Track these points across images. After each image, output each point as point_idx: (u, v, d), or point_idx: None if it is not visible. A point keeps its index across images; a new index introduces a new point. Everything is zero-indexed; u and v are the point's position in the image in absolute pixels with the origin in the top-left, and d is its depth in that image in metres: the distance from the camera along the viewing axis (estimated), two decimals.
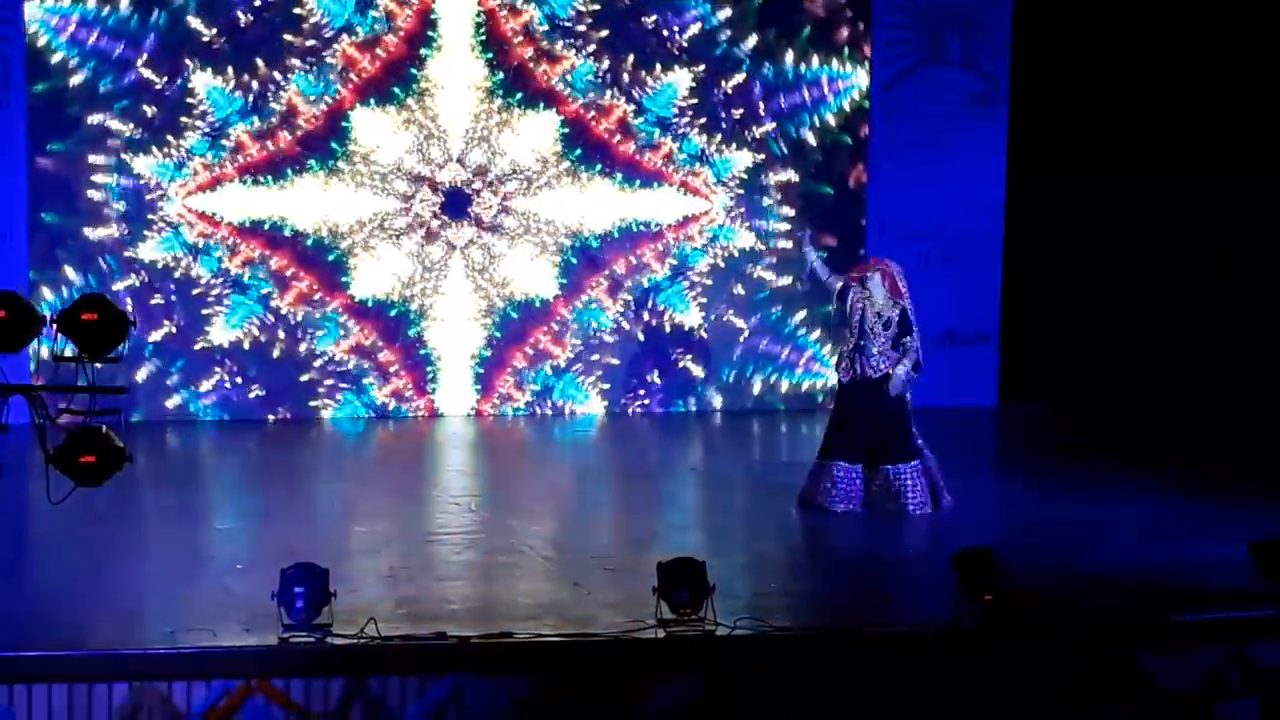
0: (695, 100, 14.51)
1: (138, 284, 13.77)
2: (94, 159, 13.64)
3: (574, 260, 14.49)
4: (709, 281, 14.72)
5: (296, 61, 13.84)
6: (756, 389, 14.90)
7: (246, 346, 14.01)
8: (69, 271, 13.67)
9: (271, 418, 14.07)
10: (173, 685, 7.18)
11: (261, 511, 10.72)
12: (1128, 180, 14.54)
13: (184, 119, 13.72)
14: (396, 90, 14.07)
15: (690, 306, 14.68)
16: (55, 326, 7.07)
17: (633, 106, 14.40)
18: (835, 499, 10.20)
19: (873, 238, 14.74)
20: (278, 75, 13.81)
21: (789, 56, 14.64)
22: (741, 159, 14.68)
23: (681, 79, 14.48)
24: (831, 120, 14.79)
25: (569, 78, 14.26)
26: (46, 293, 13.49)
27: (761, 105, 14.65)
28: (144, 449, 10.57)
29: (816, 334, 14.81)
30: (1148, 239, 14.60)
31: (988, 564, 8.04)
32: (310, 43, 13.87)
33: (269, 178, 13.90)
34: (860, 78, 14.76)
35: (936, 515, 10.26)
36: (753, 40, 14.57)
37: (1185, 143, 14.32)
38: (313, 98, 13.88)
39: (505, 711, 7.34)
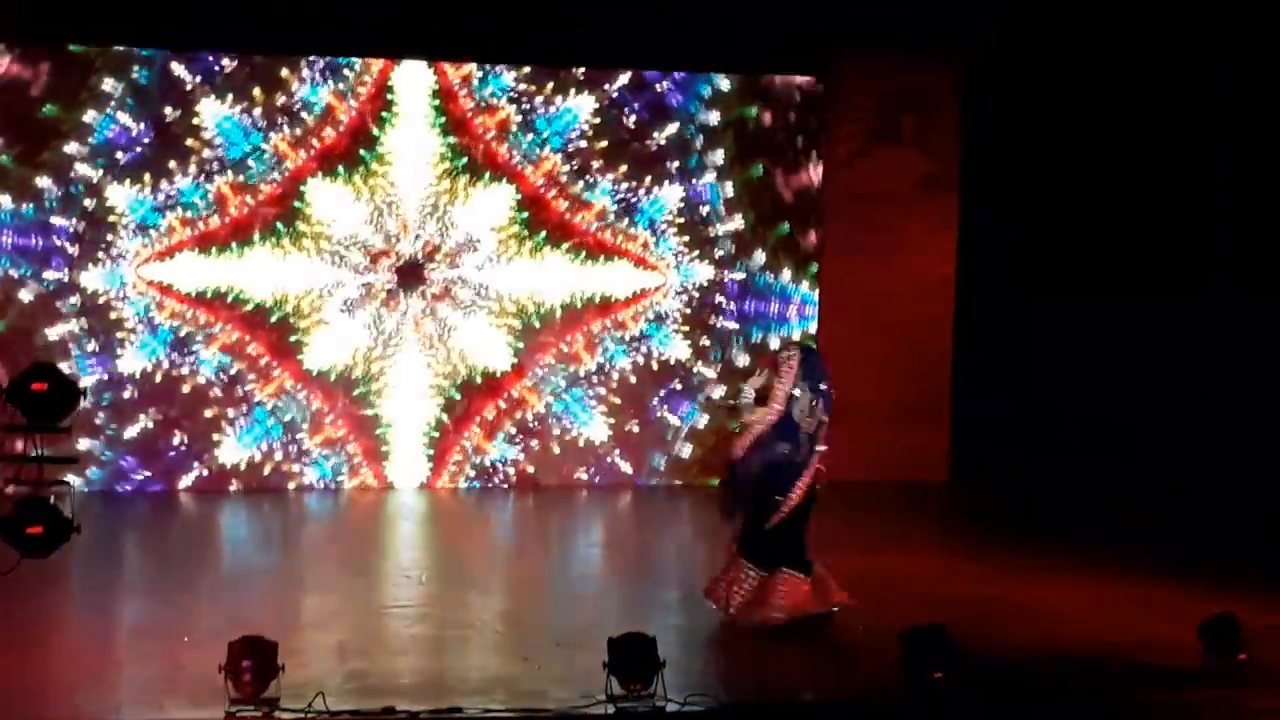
0: (638, 165, 14.65)
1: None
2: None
3: (536, 325, 14.52)
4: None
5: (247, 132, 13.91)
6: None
7: (204, 428, 13.98)
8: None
9: (215, 488, 14.00)
10: None
11: (210, 583, 10.65)
12: (1077, 256, 14.75)
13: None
14: (353, 163, 14.11)
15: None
16: (4, 396, 7.04)
17: (575, 174, 14.53)
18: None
19: (825, 315, 14.84)
20: (227, 149, 13.86)
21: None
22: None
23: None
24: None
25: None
26: None
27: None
28: (90, 519, 10.49)
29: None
30: (1097, 317, 14.75)
31: (937, 641, 8.07)
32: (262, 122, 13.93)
33: (223, 248, 13.90)
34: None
35: (885, 592, 10.27)
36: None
37: (1139, 218, 14.49)
38: (264, 171, 13.92)
39: None
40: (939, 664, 7.99)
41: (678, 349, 14.81)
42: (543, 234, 14.46)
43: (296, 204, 13.98)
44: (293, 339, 14.09)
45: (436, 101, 14.25)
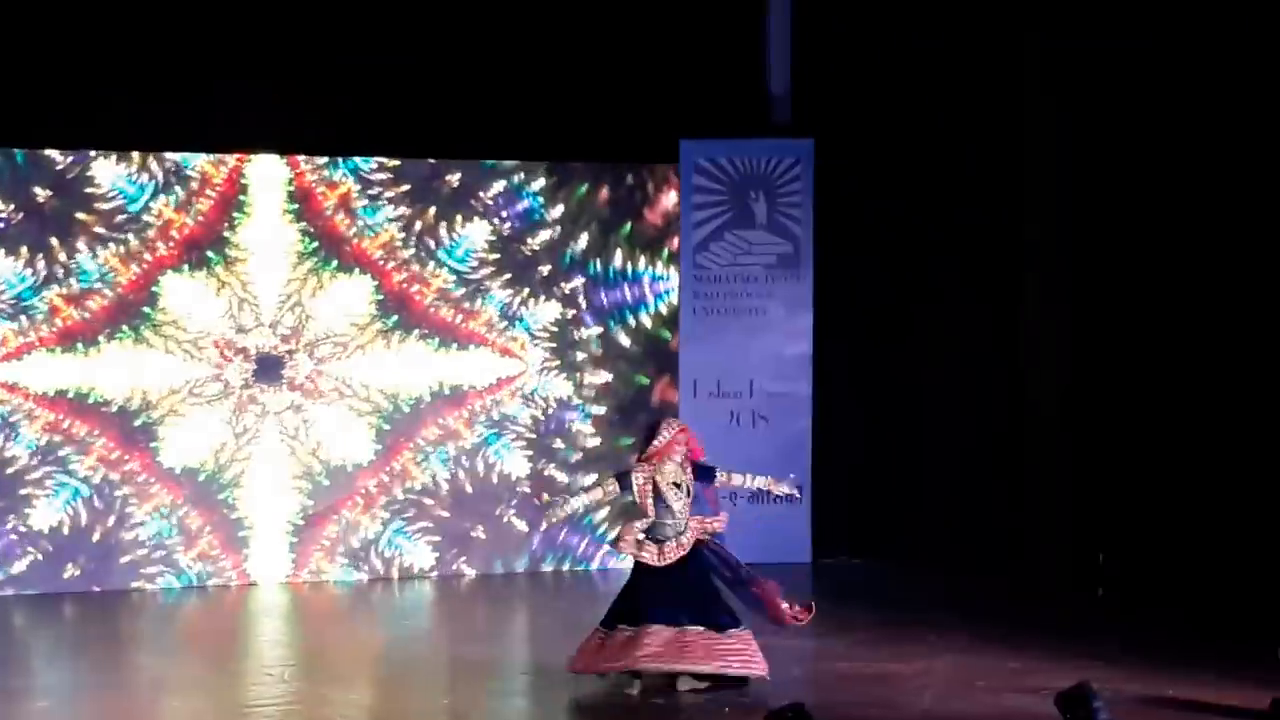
0: (498, 255, 14.73)
1: None
2: None
3: (387, 426, 14.49)
4: (532, 435, 14.88)
5: (100, 232, 13.77)
6: (581, 547, 14.97)
7: (62, 529, 13.75)
8: None
9: (78, 591, 13.75)
10: None
11: (68, 687, 10.44)
12: (933, 331, 15.05)
13: None
14: (208, 256, 14.04)
15: (515, 453, 14.81)
16: None
17: (433, 264, 14.58)
18: None
19: (685, 397, 14.95)
20: (81, 246, 13.70)
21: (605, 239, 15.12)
22: (549, 311, 14.91)
23: (479, 231, 14.69)
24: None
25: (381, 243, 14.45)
26: None
27: (569, 259, 14.96)
28: None
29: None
30: (952, 390, 15.03)
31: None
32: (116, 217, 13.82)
33: (77, 346, 13.74)
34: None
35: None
36: (561, 209, 14.95)
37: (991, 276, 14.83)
38: (118, 267, 13.79)
39: None
40: None
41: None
42: (409, 326, 14.49)
43: (154, 291, 13.87)
44: (149, 437, 13.93)
45: (293, 204, 14.24)
